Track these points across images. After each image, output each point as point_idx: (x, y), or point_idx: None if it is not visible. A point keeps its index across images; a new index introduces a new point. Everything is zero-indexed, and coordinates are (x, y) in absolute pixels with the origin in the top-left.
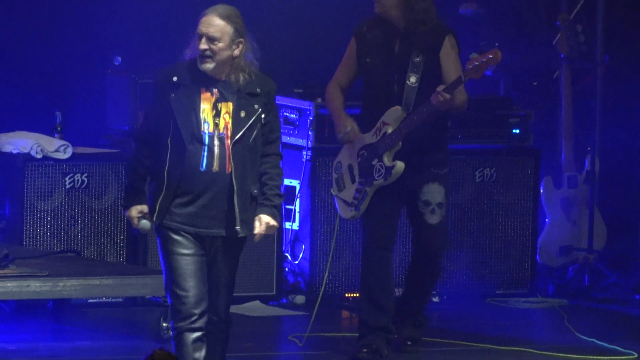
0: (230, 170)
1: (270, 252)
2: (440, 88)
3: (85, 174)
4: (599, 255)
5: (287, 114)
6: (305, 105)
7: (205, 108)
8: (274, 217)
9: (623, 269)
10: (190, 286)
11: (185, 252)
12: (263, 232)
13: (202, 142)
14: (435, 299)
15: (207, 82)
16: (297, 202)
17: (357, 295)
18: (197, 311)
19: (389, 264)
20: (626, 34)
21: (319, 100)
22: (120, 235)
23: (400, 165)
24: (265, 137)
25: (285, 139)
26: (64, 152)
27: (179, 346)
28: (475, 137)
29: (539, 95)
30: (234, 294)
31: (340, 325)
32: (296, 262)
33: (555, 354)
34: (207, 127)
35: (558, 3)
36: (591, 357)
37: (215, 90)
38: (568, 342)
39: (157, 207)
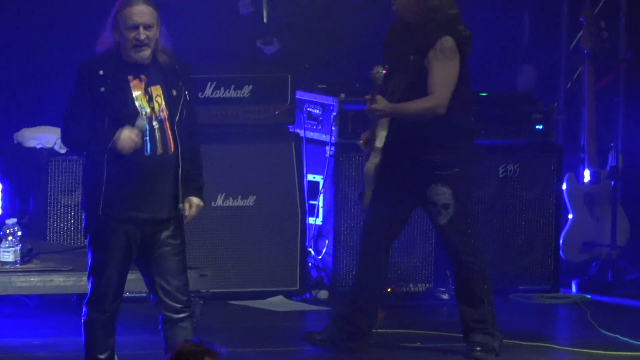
0: (172, 150)
1: (294, 247)
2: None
3: None
4: (622, 250)
5: (311, 109)
6: (328, 100)
7: (138, 95)
8: (202, 198)
9: None
10: (116, 283)
11: (122, 246)
12: (194, 215)
13: (143, 131)
14: None
15: (133, 69)
16: (321, 197)
17: (390, 290)
18: (114, 307)
19: (377, 266)
20: None
21: (343, 95)
22: None
23: (366, 166)
24: (190, 114)
25: (309, 134)
26: None
27: (91, 331)
28: (499, 133)
29: (562, 91)
30: (257, 289)
31: None
32: (319, 257)
33: (579, 349)
34: (144, 113)
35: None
36: (614, 352)
37: (142, 76)
38: (591, 338)
39: (100, 200)
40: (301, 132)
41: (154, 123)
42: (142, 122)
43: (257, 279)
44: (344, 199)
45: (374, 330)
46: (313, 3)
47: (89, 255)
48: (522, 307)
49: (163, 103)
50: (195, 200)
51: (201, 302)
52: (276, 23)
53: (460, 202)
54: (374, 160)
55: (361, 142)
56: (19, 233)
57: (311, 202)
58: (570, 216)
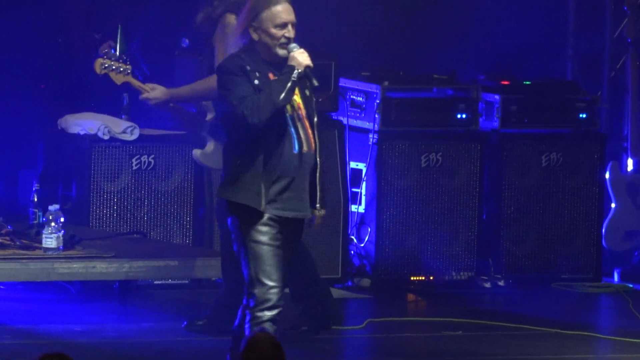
0: (313, 149)
1: (336, 235)
2: None
3: (152, 156)
4: None
5: (354, 97)
6: (372, 88)
7: None
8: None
9: None
10: (279, 278)
11: (275, 243)
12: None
13: (287, 125)
14: (501, 283)
15: (271, 67)
16: (364, 185)
17: (423, 278)
18: (281, 303)
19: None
20: None
21: (386, 83)
22: (187, 217)
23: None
24: None
25: (352, 122)
26: (131, 134)
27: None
28: (542, 122)
29: (605, 80)
30: None
31: (405, 308)
32: (362, 245)
33: (620, 338)
34: (287, 110)
35: None
36: None
37: (279, 74)
38: (633, 327)
39: (262, 193)
40: (344, 120)
41: (297, 121)
42: (294, 45)
43: None
44: (387, 187)
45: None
46: None
47: (246, 255)
48: (564, 296)
49: (300, 102)
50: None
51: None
52: (322, 11)
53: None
54: (209, 147)
55: None
56: (62, 219)
57: (354, 189)
58: (612, 205)
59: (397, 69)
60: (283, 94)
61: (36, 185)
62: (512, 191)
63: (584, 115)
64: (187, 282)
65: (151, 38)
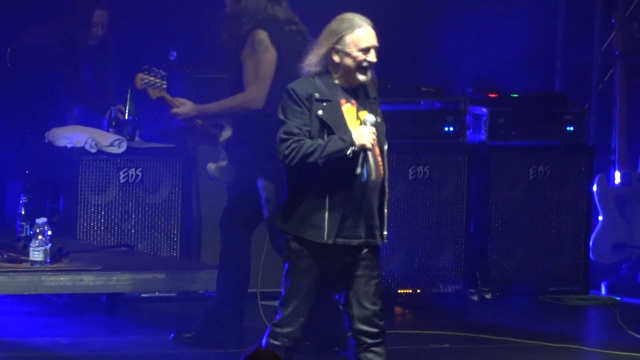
0: (383, 176)
1: None
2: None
3: (140, 169)
4: None
5: None
6: None
7: (350, 118)
8: None
9: None
10: (307, 310)
11: (322, 274)
12: None
13: (357, 153)
14: (488, 296)
15: (344, 93)
16: None
17: (410, 291)
18: (300, 334)
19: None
20: None
21: None
22: (174, 230)
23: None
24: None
25: None
26: (119, 147)
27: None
28: (529, 134)
29: (593, 92)
30: (275, 289)
31: (393, 321)
32: None
33: (608, 351)
34: None
35: (613, 0)
36: None
37: (352, 100)
38: (620, 340)
39: (325, 226)
40: None
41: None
42: (372, 117)
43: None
44: None
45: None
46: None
47: (288, 280)
48: (551, 309)
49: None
50: None
51: None
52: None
53: (277, 196)
54: (221, 162)
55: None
56: (49, 232)
57: None
58: (600, 218)
59: (385, 81)
60: (324, 160)
61: (24, 198)
62: (500, 204)
63: (572, 128)
64: (174, 294)
65: (138, 50)
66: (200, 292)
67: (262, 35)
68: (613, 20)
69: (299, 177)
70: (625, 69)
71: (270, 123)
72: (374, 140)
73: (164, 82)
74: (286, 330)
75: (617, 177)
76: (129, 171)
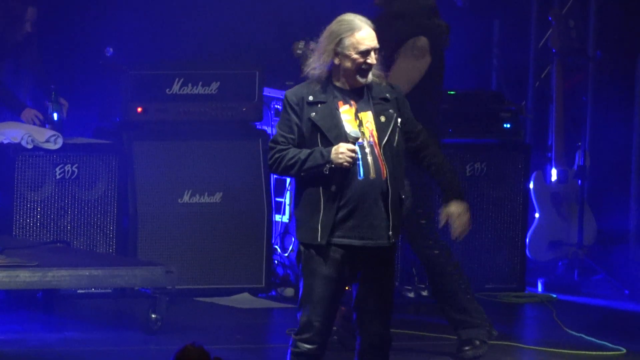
0: (384, 176)
1: (260, 244)
2: None
3: (76, 165)
4: (589, 250)
5: (279, 107)
6: None
7: (348, 119)
8: (461, 199)
9: (612, 263)
10: (324, 314)
11: (333, 275)
12: (463, 222)
13: (359, 145)
14: (425, 293)
15: (342, 94)
16: (288, 194)
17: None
18: (320, 340)
19: None
20: (618, 29)
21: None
22: (110, 227)
23: None
24: (412, 133)
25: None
26: (55, 143)
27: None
28: (466, 132)
29: (530, 90)
30: (223, 286)
31: None
32: (286, 254)
33: (544, 349)
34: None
35: None
36: (580, 352)
37: (352, 102)
38: (557, 338)
39: (319, 227)
40: (268, 129)
41: (366, 148)
42: (355, 132)
43: (223, 276)
44: None
45: None
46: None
47: (301, 284)
48: (488, 306)
49: (374, 129)
50: (452, 208)
51: (167, 299)
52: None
53: (419, 195)
54: None
55: None
56: None
57: (278, 199)
58: (537, 215)
59: None
60: (304, 173)
61: None
62: (436, 201)
63: (509, 125)
64: (110, 291)
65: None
66: (136, 288)
67: (422, 42)
68: (550, 18)
69: (299, 183)
70: (562, 67)
71: None
72: (351, 158)
73: None
74: (305, 336)
75: (554, 174)
76: (65, 167)
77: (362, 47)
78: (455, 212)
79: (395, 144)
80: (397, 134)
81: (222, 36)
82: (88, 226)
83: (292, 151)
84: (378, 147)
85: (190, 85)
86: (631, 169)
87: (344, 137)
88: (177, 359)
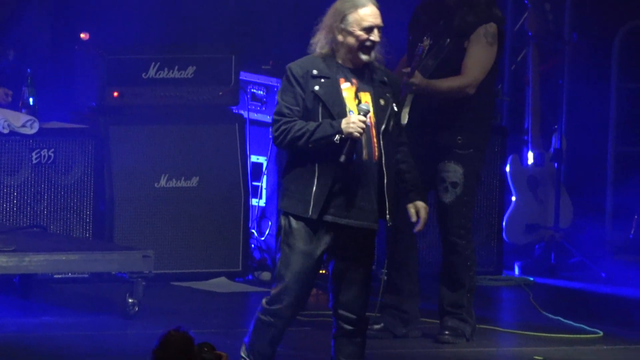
0: (377, 158)
1: (237, 228)
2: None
3: (52, 150)
4: (565, 233)
5: (255, 91)
6: (272, 82)
7: (348, 97)
8: (426, 202)
9: (589, 246)
10: (299, 287)
11: (313, 250)
12: (425, 219)
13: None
14: None
15: (345, 72)
16: (264, 178)
17: (325, 272)
18: (289, 313)
19: (409, 250)
20: (594, 12)
21: None
22: (87, 211)
23: None
24: (397, 126)
25: (253, 115)
26: (31, 128)
27: (259, 331)
28: None
29: (506, 73)
30: (200, 271)
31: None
32: (262, 238)
33: (521, 332)
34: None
35: None
36: (556, 335)
37: (354, 80)
38: (533, 321)
39: (311, 200)
40: (245, 114)
41: None
42: (367, 105)
43: (199, 261)
44: None
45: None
46: None
47: (278, 255)
48: None
49: (371, 110)
50: (421, 204)
51: (144, 283)
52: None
53: (468, 183)
54: None
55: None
56: None
57: (254, 183)
58: (513, 198)
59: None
60: (312, 144)
61: None
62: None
63: None
64: (87, 275)
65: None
66: (114, 273)
67: (494, 29)
68: (526, 1)
69: (293, 156)
70: (538, 50)
71: (473, 111)
72: (362, 129)
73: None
74: (275, 307)
75: (530, 157)
76: (42, 152)
77: (366, 24)
78: (422, 208)
79: (390, 128)
80: (392, 119)
81: (198, 20)
82: (64, 211)
83: (300, 123)
84: (374, 129)
85: (166, 69)
86: (608, 151)
87: (346, 115)
88: (160, 344)
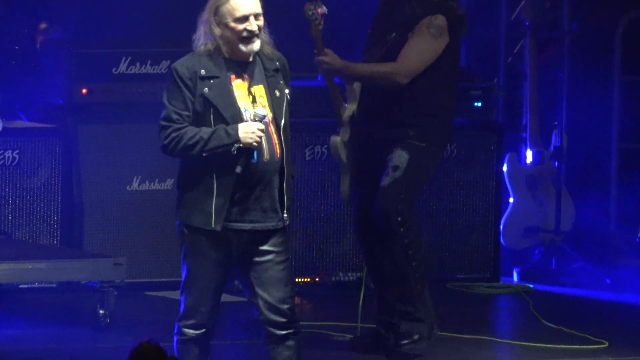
0: (278, 156)
1: None
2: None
3: (17, 151)
4: (567, 236)
5: None
6: None
7: (240, 95)
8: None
9: (592, 251)
10: (212, 298)
11: (221, 259)
12: None
13: (242, 149)
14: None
15: (235, 67)
16: None
17: (308, 279)
18: (209, 324)
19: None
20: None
21: None
22: (54, 216)
23: (331, 140)
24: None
25: None
26: None
27: (183, 352)
28: None
29: (502, 66)
30: (175, 279)
31: None
32: None
33: (521, 343)
34: (248, 116)
35: None
36: (559, 346)
37: (245, 75)
38: (534, 330)
39: (212, 211)
40: None
41: None
42: (262, 110)
43: (174, 269)
44: None
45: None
46: None
47: (183, 268)
48: (460, 297)
49: (267, 105)
50: None
51: (115, 293)
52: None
53: (411, 170)
54: (343, 136)
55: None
56: None
57: None
58: (511, 200)
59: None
60: (207, 153)
61: None
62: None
63: (479, 104)
64: (55, 285)
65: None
66: (83, 282)
67: (441, 21)
68: None
69: (188, 162)
70: (536, 40)
71: (423, 108)
72: (260, 138)
73: (323, 21)
74: (190, 322)
75: (529, 156)
76: (5, 153)
77: (238, 14)
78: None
79: (288, 120)
80: (288, 109)
81: (173, 11)
82: (30, 216)
83: (191, 130)
84: (273, 125)
85: (138, 64)
86: (611, 148)
87: (240, 116)
88: (132, 357)
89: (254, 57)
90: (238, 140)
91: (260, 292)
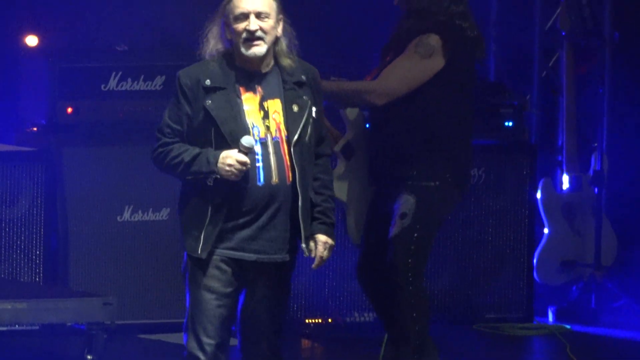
0: (290, 179)
1: None
2: None
3: None
4: (608, 271)
5: None
6: None
7: (250, 110)
8: (331, 235)
9: (636, 287)
10: (217, 334)
11: (222, 290)
12: (325, 257)
13: (253, 152)
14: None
15: (246, 78)
16: None
17: (320, 320)
18: (219, 356)
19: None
20: (639, 6)
21: None
22: (36, 250)
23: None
24: (316, 134)
25: None
26: None
27: None
28: None
29: (536, 80)
30: (172, 320)
31: (299, 356)
32: None
33: None
34: (257, 133)
35: None
36: None
37: (258, 87)
38: None
39: (201, 237)
40: None
41: (270, 147)
42: (249, 140)
43: (172, 309)
44: None
45: None
46: None
47: (188, 299)
48: (489, 340)
49: (281, 121)
50: (322, 238)
51: (105, 336)
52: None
53: (421, 215)
54: (339, 169)
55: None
56: None
57: None
58: (545, 230)
59: None
60: (190, 176)
61: None
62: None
63: (511, 123)
64: (37, 327)
65: None
66: (69, 324)
67: (434, 40)
68: None
69: (186, 185)
70: (573, 52)
71: (426, 140)
72: (238, 171)
73: None
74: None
75: (565, 181)
76: None
77: (237, 11)
78: (321, 243)
79: (307, 139)
80: (310, 127)
81: (167, 23)
82: (10, 250)
83: (177, 148)
84: (286, 144)
85: (129, 80)
86: None
87: (242, 132)
88: None
89: (273, 67)
90: (214, 171)
91: (248, 325)
